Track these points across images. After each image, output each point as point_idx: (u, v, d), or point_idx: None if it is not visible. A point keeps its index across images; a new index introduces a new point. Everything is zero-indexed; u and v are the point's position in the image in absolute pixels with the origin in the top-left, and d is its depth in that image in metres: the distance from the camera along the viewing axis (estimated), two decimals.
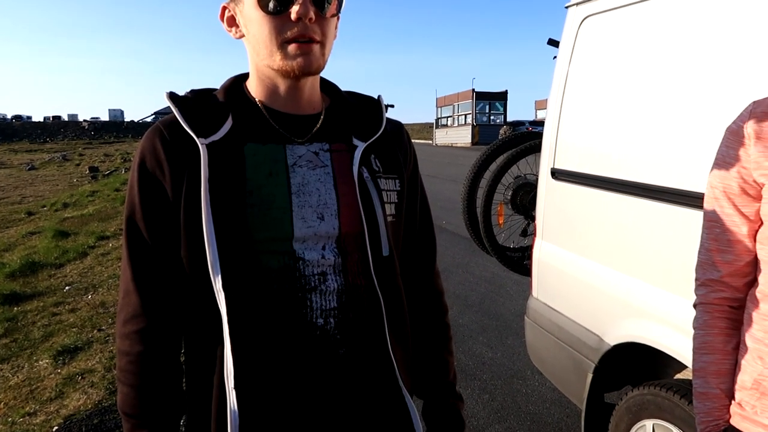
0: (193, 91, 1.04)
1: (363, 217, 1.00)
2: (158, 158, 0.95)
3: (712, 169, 1.10)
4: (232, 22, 1.00)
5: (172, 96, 0.99)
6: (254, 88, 1.02)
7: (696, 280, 1.14)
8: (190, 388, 1.03)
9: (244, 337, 0.94)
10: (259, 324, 0.95)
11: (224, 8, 1.00)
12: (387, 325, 1.03)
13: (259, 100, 1.02)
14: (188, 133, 0.95)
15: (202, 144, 0.94)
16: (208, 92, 1.04)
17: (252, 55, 1.00)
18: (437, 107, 40.46)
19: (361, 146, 1.04)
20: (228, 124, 0.98)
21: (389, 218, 1.04)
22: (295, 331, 0.96)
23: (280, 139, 1.00)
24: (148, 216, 0.96)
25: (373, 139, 1.06)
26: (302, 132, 1.02)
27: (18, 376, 3.79)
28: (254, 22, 0.94)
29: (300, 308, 0.96)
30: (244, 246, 0.94)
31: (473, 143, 33.77)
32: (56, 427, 3.03)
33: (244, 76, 1.06)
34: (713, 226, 1.09)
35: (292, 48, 0.93)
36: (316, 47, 0.94)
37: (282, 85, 1.00)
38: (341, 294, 0.99)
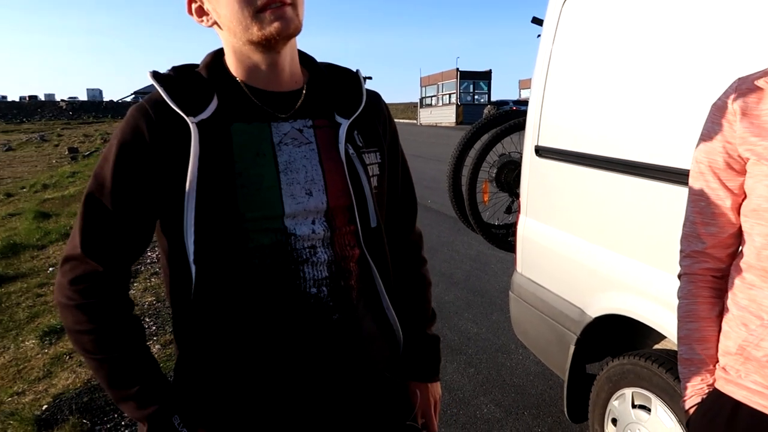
0: (175, 69, 1.03)
1: (352, 192, 1.03)
2: (142, 138, 0.94)
3: (697, 144, 1.13)
4: (201, 12, 0.99)
5: (156, 75, 0.98)
6: (234, 68, 1.02)
7: (681, 251, 1.18)
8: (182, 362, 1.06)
9: (228, 312, 0.99)
10: (250, 301, 0.99)
11: (190, 1, 1.00)
12: (384, 290, 1.09)
13: (240, 80, 1.02)
14: (175, 112, 0.95)
15: (192, 122, 0.94)
16: (191, 69, 1.04)
17: (228, 39, 0.99)
18: (421, 87, 40.31)
19: (344, 124, 1.06)
20: (214, 103, 0.98)
21: (374, 191, 1.08)
22: (291, 300, 1.00)
23: (264, 117, 1.01)
24: (117, 195, 0.95)
25: (355, 115, 1.08)
26: (285, 108, 1.03)
27: (4, 357, 3.78)
28: (222, 3, 0.94)
29: (294, 280, 1.00)
30: (234, 226, 0.96)
31: (457, 123, 33.76)
32: (45, 406, 3.05)
33: (223, 52, 1.05)
34: (698, 199, 1.13)
35: (266, 15, 0.92)
36: (289, 9, 0.93)
37: (262, 62, 1.00)
38: (331, 264, 1.03)
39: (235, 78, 1.02)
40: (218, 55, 1.05)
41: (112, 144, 0.97)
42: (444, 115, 36.06)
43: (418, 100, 41.29)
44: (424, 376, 1.25)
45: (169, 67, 1.04)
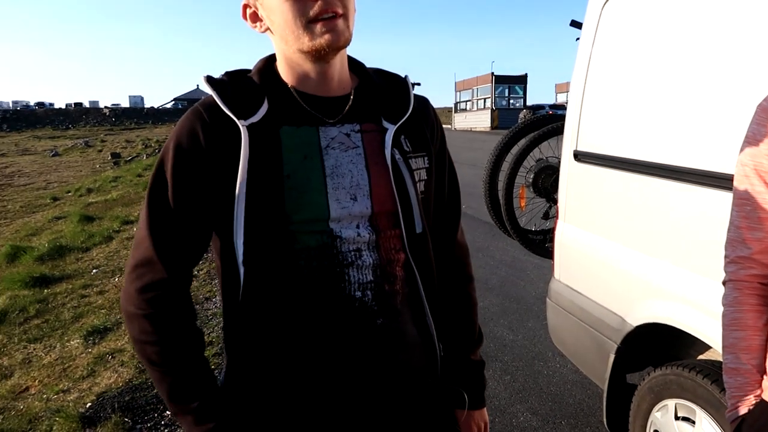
0: (228, 74, 1.05)
1: (396, 197, 1.03)
2: (197, 140, 0.96)
3: (742, 147, 1.10)
4: (255, 17, 1.02)
5: (210, 79, 1.01)
6: (284, 74, 1.04)
7: (725, 257, 1.15)
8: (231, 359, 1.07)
9: (274, 314, 1.00)
10: (296, 304, 1.00)
11: (245, 6, 1.02)
12: (425, 296, 1.08)
13: (291, 85, 1.03)
14: (227, 115, 0.96)
15: (242, 125, 0.96)
16: (243, 74, 1.06)
17: (279, 45, 1.01)
18: (456, 91, 40.18)
19: (391, 129, 1.06)
20: (264, 107, 1.00)
21: (420, 196, 1.07)
22: (335, 304, 1.00)
23: (313, 121, 1.02)
24: (178, 197, 0.97)
25: (402, 120, 1.08)
26: (333, 113, 1.04)
27: (51, 355, 3.91)
28: (276, 10, 0.95)
29: (339, 282, 1.00)
30: (281, 227, 0.97)
31: (492, 127, 33.52)
32: (89, 404, 3.14)
33: (275, 57, 1.07)
34: (743, 203, 1.10)
35: (317, 27, 0.94)
36: (340, 21, 0.94)
37: (312, 70, 1.01)
38: (376, 268, 1.03)
39: (286, 83, 1.04)
40: (270, 60, 1.07)
41: (168, 147, 0.99)
42: (479, 119, 35.85)
43: (452, 105, 41.15)
44: (467, 404, 1.22)
45: (222, 72, 1.06)
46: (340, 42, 0.95)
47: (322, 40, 0.94)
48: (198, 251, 1.02)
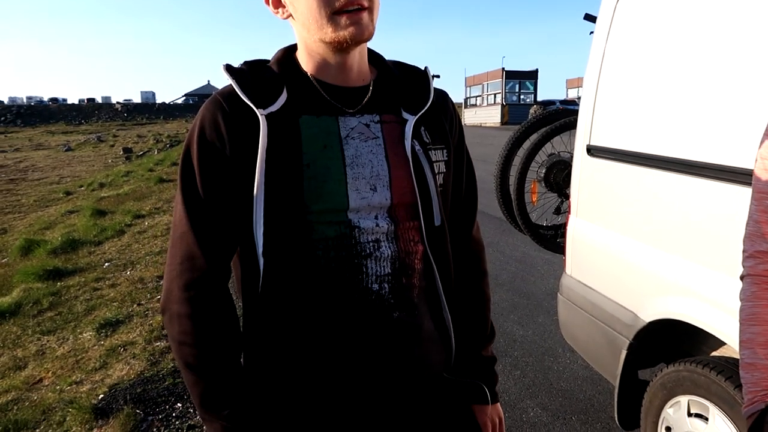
0: (247, 63, 1.05)
1: (416, 189, 1.02)
2: (218, 129, 0.95)
3: (762, 140, 1.09)
4: (277, 3, 1.01)
5: (229, 68, 1.00)
6: (304, 62, 1.03)
7: (744, 251, 1.14)
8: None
9: (292, 306, 0.99)
10: (314, 296, 0.99)
11: None
12: (442, 290, 1.08)
13: (310, 74, 1.03)
14: (246, 104, 0.96)
15: (261, 114, 0.95)
16: (262, 64, 1.05)
17: (301, 33, 1.00)
18: (466, 87, 39.98)
19: (411, 120, 1.05)
20: (283, 96, 0.99)
21: (439, 188, 1.06)
22: (352, 296, 0.99)
23: (332, 110, 1.01)
24: (210, 186, 0.96)
25: (422, 112, 1.07)
26: (352, 103, 1.03)
27: (64, 347, 3.95)
28: None
29: (356, 274, 0.99)
30: (299, 217, 0.96)
31: (503, 123, 33.33)
32: (102, 395, 3.16)
33: (295, 48, 1.07)
34: (763, 197, 1.09)
35: (342, 19, 0.93)
36: (365, 14, 0.94)
37: (332, 59, 1.01)
38: (394, 260, 1.02)
39: (305, 72, 1.03)
40: (289, 50, 1.07)
41: (192, 140, 0.98)
42: (489, 115, 35.66)
43: (462, 100, 40.98)
44: (480, 399, 1.20)
45: (242, 62, 1.05)
46: (363, 36, 0.95)
47: (346, 32, 0.93)
48: (235, 243, 1.01)
